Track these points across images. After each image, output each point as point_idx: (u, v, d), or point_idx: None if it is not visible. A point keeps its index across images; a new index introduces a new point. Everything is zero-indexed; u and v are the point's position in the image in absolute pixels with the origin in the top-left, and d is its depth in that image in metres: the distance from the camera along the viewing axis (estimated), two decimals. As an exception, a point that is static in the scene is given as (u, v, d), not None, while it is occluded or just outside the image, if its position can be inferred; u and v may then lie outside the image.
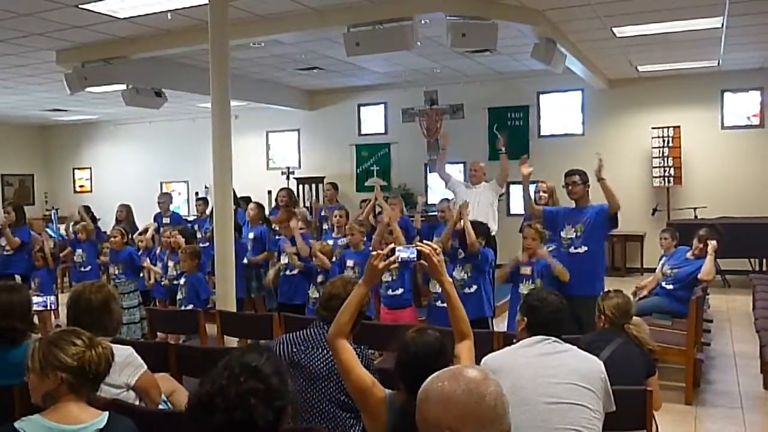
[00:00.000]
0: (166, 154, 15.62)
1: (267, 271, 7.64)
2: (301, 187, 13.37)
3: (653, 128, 11.30)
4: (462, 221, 5.60)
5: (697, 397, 5.24)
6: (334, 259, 6.49)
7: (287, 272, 6.67)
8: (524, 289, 5.36)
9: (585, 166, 6.08)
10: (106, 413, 2.26)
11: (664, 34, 8.41)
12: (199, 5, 6.67)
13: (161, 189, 15.66)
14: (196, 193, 13.42)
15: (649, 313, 5.97)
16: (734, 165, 11.04)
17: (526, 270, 5.45)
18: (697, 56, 9.88)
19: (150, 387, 3.16)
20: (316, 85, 12.89)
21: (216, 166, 6.16)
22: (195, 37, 7.67)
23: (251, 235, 7.67)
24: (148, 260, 7.45)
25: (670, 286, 6.30)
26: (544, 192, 6.88)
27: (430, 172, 12.77)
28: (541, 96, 12.27)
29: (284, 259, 6.68)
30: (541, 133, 12.28)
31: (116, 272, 7.37)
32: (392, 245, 2.74)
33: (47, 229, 11.48)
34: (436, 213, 7.78)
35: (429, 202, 12.21)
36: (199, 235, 8.72)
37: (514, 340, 3.02)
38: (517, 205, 11.20)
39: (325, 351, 3.01)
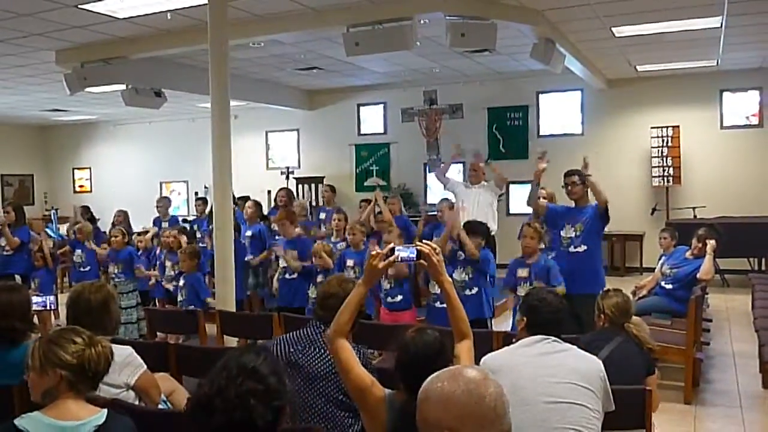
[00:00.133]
0: (165, 154, 15.62)
1: (266, 268, 7.63)
2: (300, 186, 13.38)
3: (652, 128, 11.31)
4: (458, 231, 5.57)
5: (697, 396, 5.24)
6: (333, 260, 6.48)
7: (286, 276, 6.65)
8: (522, 291, 5.31)
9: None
10: (105, 410, 2.28)
11: (663, 34, 8.42)
12: (199, 5, 6.67)
13: (161, 189, 15.70)
14: (196, 193, 13.43)
15: (648, 312, 5.98)
16: (733, 165, 11.05)
17: (523, 273, 5.41)
18: (696, 56, 9.89)
19: (150, 387, 3.16)
20: (315, 85, 12.89)
21: (215, 166, 6.16)
22: (194, 37, 7.67)
23: (249, 233, 7.64)
24: (142, 267, 7.43)
25: (670, 286, 6.31)
26: (544, 198, 6.82)
27: (429, 171, 12.78)
28: (540, 96, 12.28)
29: (282, 263, 6.65)
30: (541, 133, 12.28)
31: (115, 271, 7.38)
32: (392, 245, 2.75)
33: (47, 229, 11.49)
34: (436, 213, 7.75)
35: (429, 202, 12.24)
36: (198, 235, 8.73)
37: (514, 340, 3.03)
38: (516, 205, 11.20)
39: (322, 351, 3.00)
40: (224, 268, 6.15)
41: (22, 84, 11.02)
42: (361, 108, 13.66)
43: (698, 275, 6.08)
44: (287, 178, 13.11)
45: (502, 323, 6.04)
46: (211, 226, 8.16)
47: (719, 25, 7.98)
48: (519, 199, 11.36)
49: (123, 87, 9.72)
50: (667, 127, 11.22)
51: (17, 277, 7.44)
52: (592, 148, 11.53)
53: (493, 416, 1.63)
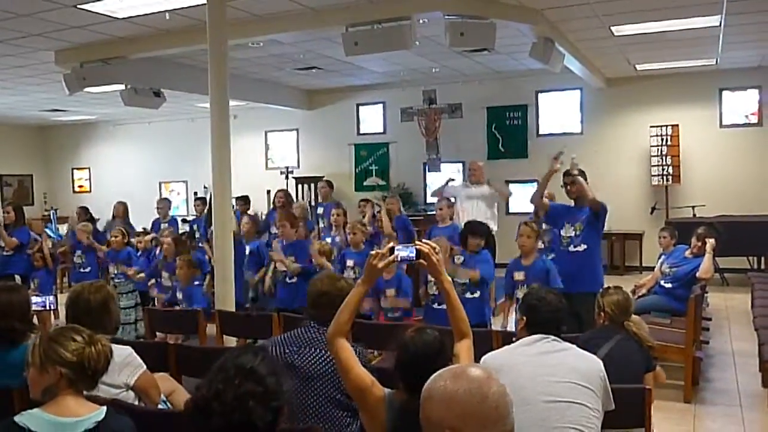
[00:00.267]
0: (165, 154, 15.61)
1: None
2: (299, 186, 13.39)
3: (651, 127, 11.31)
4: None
5: (696, 395, 5.24)
6: (333, 258, 6.47)
7: (286, 279, 6.63)
8: (520, 294, 5.29)
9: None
10: (104, 408, 2.29)
11: (662, 33, 8.42)
12: (198, 5, 6.66)
13: (160, 189, 15.70)
14: (195, 193, 13.42)
15: (648, 311, 5.98)
16: (733, 163, 11.05)
17: (520, 275, 5.38)
18: (695, 55, 9.89)
19: (149, 387, 3.16)
20: (314, 85, 12.89)
21: (215, 166, 6.16)
22: (193, 37, 7.66)
23: (247, 250, 7.28)
24: (134, 268, 7.36)
25: (669, 285, 6.31)
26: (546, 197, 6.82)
27: (429, 171, 12.78)
28: (539, 95, 12.28)
29: (281, 267, 6.61)
30: (540, 132, 12.28)
31: (115, 272, 7.36)
32: (391, 244, 2.75)
33: (46, 230, 11.49)
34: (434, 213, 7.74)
35: (428, 202, 12.25)
36: (197, 235, 8.71)
37: (513, 339, 3.03)
38: (516, 204, 11.19)
39: (318, 350, 2.99)
40: (224, 268, 6.14)
41: (22, 84, 11.02)
42: (361, 108, 13.66)
43: (698, 274, 6.09)
44: (286, 177, 13.12)
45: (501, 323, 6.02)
46: (210, 229, 8.16)
47: (718, 24, 7.98)
48: (519, 198, 11.42)
49: (122, 87, 9.72)
50: (667, 126, 11.22)
51: (17, 278, 7.45)
52: (591, 147, 11.57)
53: (496, 416, 1.63)
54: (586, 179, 5.72)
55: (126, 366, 3.07)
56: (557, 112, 12.23)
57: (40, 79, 10.56)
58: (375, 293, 5.75)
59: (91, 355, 2.31)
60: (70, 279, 9.86)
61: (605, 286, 4.08)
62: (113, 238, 7.51)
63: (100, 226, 9.89)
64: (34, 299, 3.67)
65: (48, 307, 4.00)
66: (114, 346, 2.59)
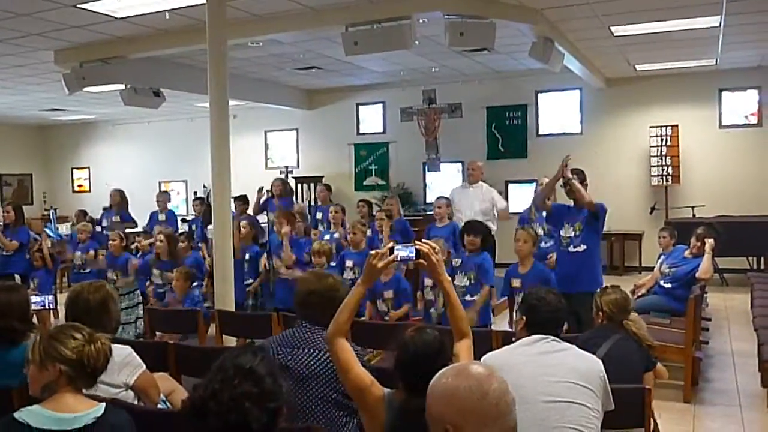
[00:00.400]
0: (164, 154, 15.61)
1: (262, 290, 7.40)
2: (299, 186, 13.38)
3: (651, 127, 11.31)
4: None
5: (696, 395, 5.24)
6: (333, 263, 6.43)
7: (282, 275, 6.63)
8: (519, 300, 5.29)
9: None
10: (103, 404, 2.31)
11: (661, 33, 8.42)
12: (197, 5, 6.66)
13: (160, 189, 15.66)
14: (195, 193, 13.42)
15: (647, 311, 5.98)
16: (732, 164, 11.06)
17: (516, 283, 5.37)
18: (695, 55, 9.89)
19: (149, 387, 3.16)
20: (314, 85, 12.89)
21: (214, 165, 6.16)
22: (193, 36, 7.66)
23: (246, 256, 7.19)
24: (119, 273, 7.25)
25: (669, 285, 6.31)
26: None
27: (428, 171, 12.78)
28: (539, 95, 12.28)
29: (285, 272, 6.60)
30: (540, 132, 12.28)
31: (114, 278, 7.21)
32: (391, 244, 2.74)
33: (46, 229, 11.49)
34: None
35: (427, 202, 12.24)
36: (196, 236, 8.69)
37: (513, 339, 3.03)
38: (516, 204, 11.19)
39: (312, 350, 2.97)
40: (223, 267, 6.13)
41: (21, 84, 11.01)
42: (360, 107, 13.66)
43: (697, 274, 6.09)
44: (286, 177, 13.10)
45: (504, 321, 6.02)
46: (208, 227, 8.15)
47: (718, 25, 7.98)
48: (518, 198, 11.44)
49: (122, 87, 9.71)
50: (666, 126, 11.22)
51: (17, 277, 7.45)
52: (591, 147, 11.58)
53: (495, 413, 1.64)
54: (585, 179, 5.70)
55: (125, 366, 3.07)
56: (557, 112, 12.23)
57: (40, 79, 10.56)
58: (372, 295, 5.72)
59: (91, 353, 2.33)
60: (69, 279, 9.85)
61: (604, 285, 4.07)
62: (111, 242, 7.32)
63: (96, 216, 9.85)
64: (33, 299, 3.67)
65: (47, 307, 4.00)
66: (114, 346, 2.60)
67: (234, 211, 8.14)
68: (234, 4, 6.76)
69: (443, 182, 11.89)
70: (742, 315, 7.63)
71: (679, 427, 4.65)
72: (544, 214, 6.25)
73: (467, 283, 5.53)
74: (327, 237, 7.53)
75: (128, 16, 7.35)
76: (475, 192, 8.09)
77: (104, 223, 9.24)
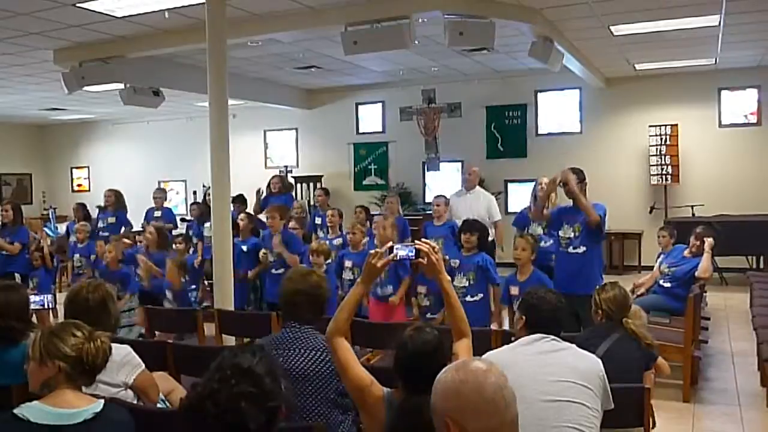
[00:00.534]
0: (163, 153, 15.61)
1: (263, 283, 7.39)
2: (299, 185, 13.38)
3: (651, 126, 11.30)
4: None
5: (695, 394, 5.25)
6: (331, 260, 6.42)
7: (273, 270, 6.61)
8: (514, 308, 5.26)
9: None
10: (102, 401, 2.33)
11: (661, 33, 8.42)
12: (196, 4, 6.66)
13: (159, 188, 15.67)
14: (194, 192, 13.43)
15: (647, 311, 5.94)
16: (732, 163, 11.06)
17: (515, 290, 5.33)
18: (695, 54, 9.89)
19: (148, 386, 3.16)
20: (313, 84, 12.89)
21: (214, 165, 6.15)
22: (192, 36, 7.66)
23: (244, 248, 7.13)
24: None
25: (668, 284, 6.32)
26: (546, 185, 6.80)
27: (428, 170, 12.78)
28: (538, 94, 12.27)
29: (272, 257, 6.59)
30: (539, 132, 12.28)
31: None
32: (390, 243, 2.75)
33: (45, 228, 11.48)
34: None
35: (427, 201, 12.23)
36: (195, 240, 8.65)
37: (513, 338, 3.02)
38: (515, 204, 11.22)
39: (304, 351, 2.96)
40: (223, 267, 6.12)
41: (21, 83, 11.01)
42: (360, 107, 13.65)
43: (697, 273, 6.09)
44: (285, 176, 13.11)
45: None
46: (205, 225, 8.13)
47: (717, 24, 7.98)
48: (518, 197, 11.45)
49: (121, 86, 9.71)
50: (666, 125, 11.22)
51: (17, 276, 7.45)
52: (590, 146, 11.59)
53: (492, 407, 1.66)
54: (584, 178, 5.63)
55: (125, 365, 3.06)
56: (556, 112, 12.22)
57: (39, 78, 10.56)
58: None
59: (90, 351, 2.34)
60: (68, 279, 9.83)
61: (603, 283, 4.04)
62: (106, 254, 6.97)
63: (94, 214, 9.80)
64: (32, 298, 3.67)
65: (46, 306, 3.99)
66: (113, 345, 2.60)
67: (233, 211, 8.13)
68: (233, 3, 6.76)
69: (443, 182, 11.90)
70: (741, 314, 7.63)
71: (678, 427, 4.66)
72: (544, 223, 6.24)
73: (466, 284, 5.50)
74: (325, 243, 7.52)
75: (128, 16, 7.35)
76: (473, 198, 8.07)
77: (100, 224, 9.10)
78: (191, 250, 8.17)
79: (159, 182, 15.61)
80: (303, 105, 13.71)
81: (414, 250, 2.67)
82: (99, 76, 8.86)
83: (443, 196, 7.49)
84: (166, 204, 10.29)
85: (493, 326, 5.52)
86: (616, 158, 11.68)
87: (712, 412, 5.00)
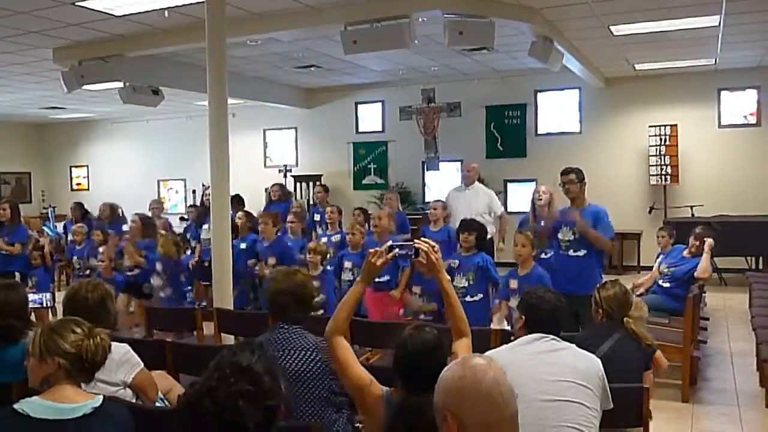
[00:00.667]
0: (163, 152, 15.60)
1: (261, 283, 7.36)
2: (298, 184, 13.39)
3: (650, 126, 11.30)
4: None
5: (694, 394, 5.24)
6: (327, 263, 6.38)
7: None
8: (513, 303, 5.20)
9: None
10: (101, 396, 2.34)
11: (661, 33, 8.42)
12: (196, 3, 6.66)
13: (158, 187, 15.70)
14: (194, 191, 13.42)
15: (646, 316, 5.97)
16: (731, 163, 11.06)
17: (514, 284, 5.33)
18: (694, 55, 9.89)
19: (147, 385, 3.15)
20: (313, 83, 12.88)
21: (213, 164, 6.14)
22: (192, 34, 7.64)
23: (243, 246, 7.10)
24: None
25: (667, 284, 6.32)
26: (544, 193, 6.77)
27: (427, 170, 12.78)
28: (538, 94, 12.27)
29: (267, 270, 6.54)
30: (539, 132, 12.28)
31: None
32: (390, 242, 2.75)
33: (44, 227, 11.48)
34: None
35: (426, 201, 12.24)
36: (193, 244, 8.62)
37: (512, 338, 3.02)
38: (514, 203, 11.23)
39: (295, 352, 2.96)
40: (222, 266, 6.11)
41: (20, 82, 11.00)
42: (359, 106, 13.65)
43: (696, 274, 6.10)
44: (285, 176, 13.13)
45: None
46: (204, 227, 8.11)
47: (717, 24, 7.98)
48: (517, 197, 11.46)
49: (120, 85, 9.70)
50: (665, 125, 11.22)
51: (17, 275, 7.43)
52: (590, 146, 11.59)
53: (490, 401, 1.68)
54: (583, 178, 5.59)
55: (123, 364, 3.06)
56: (556, 112, 12.22)
57: (39, 77, 10.55)
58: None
59: (89, 348, 2.36)
60: (68, 278, 9.81)
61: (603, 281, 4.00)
62: (100, 263, 7.06)
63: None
64: (31, 297, 3.67)
65: (45, 305, 4.00)
66: (112, 344, 2.60)
67: (231, 211, 8.11)
68: (233, 2, 6.75)
69: (442, 181, 11.90)
70: (740, 314, 7.63)
71: (677, 427, 4.65)
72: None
73: (466, 285, 5.47)
74: (324, 240, 7.51)
75: (127, 14, 7.34)
76: (472, 194, 8.06)
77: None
78: (188, 251, 8.18)
79: (158, 181, 15.67)
80: (302, 104, 13.70)
81: (413, 249, 2.67)
82: (98, 74, 8.85)
83: (441, 200, 7.45)
84: (165, 204, 10.28)
85: (494, 319, 5.52)
86: (616, 158, 11.68)
87: (711, 413, 5.00)
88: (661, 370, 3.90)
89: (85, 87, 9.43)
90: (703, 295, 6.63)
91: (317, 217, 8.74)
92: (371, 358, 4.82)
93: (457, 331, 2.77)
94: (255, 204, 9.99)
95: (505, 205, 11.56)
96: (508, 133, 12.40)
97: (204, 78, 6.17)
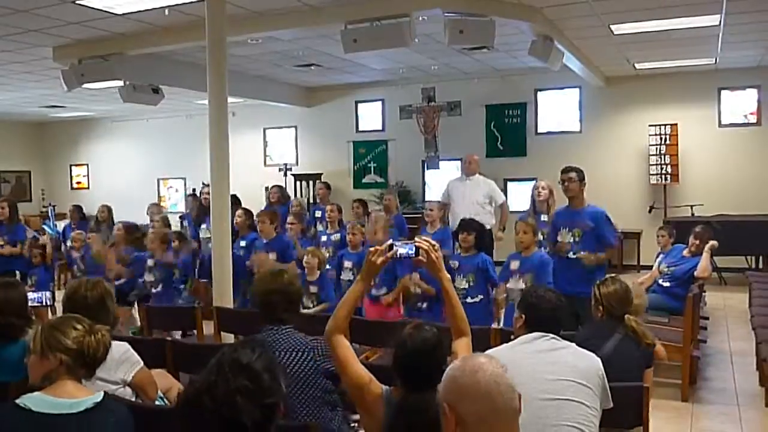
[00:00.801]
0: (163, 151, 15.60)
1: None
2: (298, 183, 13.38)
3: (650, 126, 11.30)
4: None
5: (694, 394, 5.24)
6: (325, 267, 6.35)
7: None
8: (512, 284, 5.23)
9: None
10: (102, 392, 2.36)
11: (661, 32, 8.41)
12: (197, 1, 6.65)
13: (158, 186, 15.69)
14: (193, 190, 13.39)
15: (645, 310, 5.97)
16: (731, 163, 11.06)
17: (515, 265, 5.30)
18: (695, 54, 9.89)
19: (146, 383, 3.15)
20: (313, 82, 12.88)
21: (213, 162, 6.14)
22: (192, 33, 7.64)
23: (242, 244, 7.11)
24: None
25: (667, 284, 6.32)
26: (543, 189, 6.78)
27: (427, 169, 12.78)
28: (538, 93, 12.27)
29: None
30: (539, 131, 12.28)
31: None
32: (390, 241, 2.74)
33: (44, 226, 11.47)
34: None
35: (426, 200, 12.23)
36: (188, 233, 8.58)
37: (512, 337, 3.02)
38: (514, 202, 11.19)
39: (285, 353, 2.95)
40: (221, 265, 6.10)
41: (20, 80, 10.99)
42: (359, 105, 13.64)
43: (696, 273, 6.10)
44: (285, 175, 13.12)
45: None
46: (202, 227, 8.11)
47: (718, 23, 7.98)
48: (517, 196, 11.44)
49: (120, 83, 9.70)
50: (666, 125, 11.21)
51: (17, 274, 7.43)
52: (590, 145, 11.58)
53: (485, 394, 1.73)
54: (583, 177, 5.59)
55: (123, 362, 3.06)
56: (556, 111, 12.22)
57: (39, 75, 10.54)
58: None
59: (91, 344, 2.38)
60: (67, 277, 9.79)
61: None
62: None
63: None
64: (30, 295, 3.66)
65: (45, 303, 3.99)
66: (112, 342, 2.61)
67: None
68: (233, 0, 6.75)
69: (442, 180, 11.88)
70: (740, 314, 7.63)
71: (676, 426, 4.66)
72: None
73: (466, 286, 5.43)
74: (324, 238, 7.50)
75: (127, 13, 7.33)
76: (472, 184, 8.07)
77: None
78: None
79: (158, 180, 15.66)
80: (303, 103, 13.70)
81: (414, 248, 2.67)
82: (98, 73, 8.84)
83: (437, 201, 7.44)
84: (164, 203, 10.26)
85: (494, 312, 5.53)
86: (616, 157, 11.67)
87: (711, 412, 5.00)
88: (660, 357, 3.87)
89: (85, 85, 9.43)
90: (703, 294, 6.63)
91: (318, 214, 8.74)
92: (371, 357, 4.83)
93: (457, 330, 2.77)
94: (255, 203, 9.98)
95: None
96: (508, 132, 12.40)
97: (204, 77, 6.17)
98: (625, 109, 11.72)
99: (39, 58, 9.26)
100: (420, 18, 7.38)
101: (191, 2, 6.88)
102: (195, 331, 5.54)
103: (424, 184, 13.00)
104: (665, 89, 11.39)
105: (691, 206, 10.81)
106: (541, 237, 6.31)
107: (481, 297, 5.49)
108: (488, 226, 7.55)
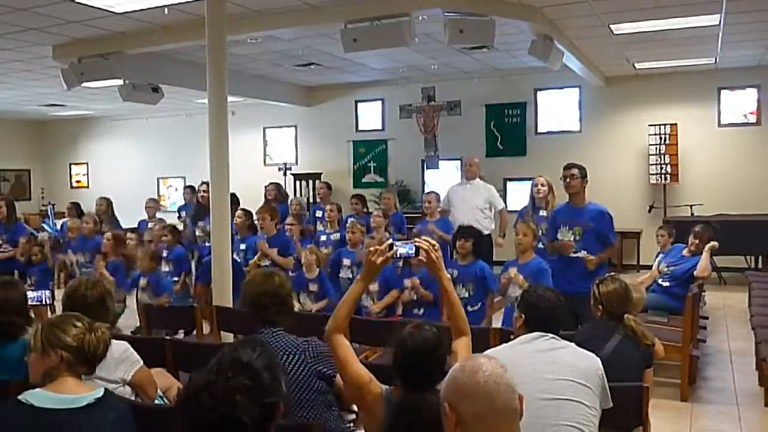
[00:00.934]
0: (162, 150, 15.60)
1: None
2: (298, 183, 13.38)
3: (650, 125, 11.30)
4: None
5: (693, 393, 5.24)
6: (324, 264, 6.34)
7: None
8: (512, 291, 5.20)
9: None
10: (103, 388, 2.39)
11: (661, 32, 8.41)
12: (196, 0, 6.64)
13: (158, 185, 15.68)
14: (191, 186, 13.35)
15: (645, 310, 5.97)
16: (731, 162, 11.06)
17: (513, 272, 5.26)
18: (695, 54, 9.89)
19: (146, 383, 3.15)
20: (313, 81, 12.87)
21: (213, 162, 6.14)
22: (192, 32, 7.63)
23: (242, 246, 7.08)
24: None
25: (667, 283, 6.32)
26: (543, 185, 6.78)
27: (427, 168, 12.77)
28: (538, 93, 12.27)
29: (266, 261, 6.53)
30: (538, 130, 12.28)
31: None
32: (390, 240, 2.74)
33: (44, 224, 11.45)
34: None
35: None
36: (186, 225, 8.56)
37: (512, 337, 3.02)
38: (514, 202, 11.19)
39: (278, 355, 2.93)
40: (221, 264, 6.11)
41: (19, 79, 10.98)
42: (359, 104, 13.64)
43: (695, 273, 6.10)
44: (285, 174, 13.11)
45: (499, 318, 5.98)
46: (199, 224, 8.09)
47: (718, 23, 7.98)
48: (517, 195, 11.44)
49: (120, 82, 9.69)
50: (665, 124, 11.21)
51: (16, 273, 7.43)
52: (589, 145, 11.58)
53: (484, 393, 1.75)
54: (586, 175, 5.57)
55: (123, 361, 3.06)
56: (556, 110, 12.22)
57: (38, 74, 10.53)
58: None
59: (91, 341, 2.41)
60: (67, 276, 9.78)
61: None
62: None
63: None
64: (29, 294, 3.66)
65: (44, 302, 3.98)
66: (112, 341, 2.62)
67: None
68: (233, -1, 6.75)
69: (442, 179, 11.89)
70: (739, 313, 7.64)
71: (676, 426, 4.66)
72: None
73: (466, 295, 5.38)
74: (324, 238, 7.50)
75: (127, 12, 7.32)
76: (472, 188, 8.07)
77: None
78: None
79: (158, 179, 15.65)
80: (302, 102, 13.69)
81: (414, 248, 2.67)
82: (98, 72, 8.83)
83: (434, 192, 7.46)
84: (163, 202, 10.24)
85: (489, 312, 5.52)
86: (616, 157, 11.67)
87: (710, 411, 5.00)
88: (659, 355, 3.87)
89: (85, 84, 9.42)
90: (703, 294, 6.63)
91: (318, 214, 8.73)
92: (371, 357, 4.83)
93: (457, 329, 2.77)
94: (254, 202, 9.97)
95: (504, 204, 11.60)
96: (508, 132, 12.40)
97: (204, 76, 6.16)
98: (624, 109, 11.72)
99: (39, 57, 9.25)
100: (420, 17, 7.37)
101: (191, 1, 6.87)
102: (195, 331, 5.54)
103: (423, 183, 12.98)
104: (665, 89, 11.39)
105: (691, 206, 10.81)
106: (541, 233, 6.34)
107: (481, 304, 5.48)
108: (488, 231, 7.55)
